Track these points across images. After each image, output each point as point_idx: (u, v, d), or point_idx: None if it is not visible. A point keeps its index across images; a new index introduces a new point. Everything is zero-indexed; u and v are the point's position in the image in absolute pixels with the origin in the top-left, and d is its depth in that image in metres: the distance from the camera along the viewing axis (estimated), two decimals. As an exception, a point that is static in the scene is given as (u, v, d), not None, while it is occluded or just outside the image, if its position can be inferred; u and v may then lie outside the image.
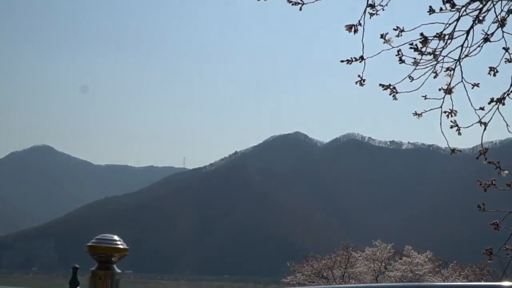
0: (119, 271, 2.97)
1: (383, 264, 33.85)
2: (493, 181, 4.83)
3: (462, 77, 4.99)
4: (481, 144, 4.93)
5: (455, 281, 32.05)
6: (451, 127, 5.10)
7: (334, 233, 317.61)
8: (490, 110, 5.06)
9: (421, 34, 4.70)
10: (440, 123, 4.91)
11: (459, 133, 5.13)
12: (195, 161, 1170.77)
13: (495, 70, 5.01)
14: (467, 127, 5.10)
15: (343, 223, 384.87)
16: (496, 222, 4.62)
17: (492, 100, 5.03)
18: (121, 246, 2.98)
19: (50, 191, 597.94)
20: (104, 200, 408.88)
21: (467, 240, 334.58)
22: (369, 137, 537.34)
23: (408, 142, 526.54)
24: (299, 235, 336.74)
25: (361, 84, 5.10)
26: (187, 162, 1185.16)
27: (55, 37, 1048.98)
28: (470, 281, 33.14)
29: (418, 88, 4.81)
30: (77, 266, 21.20)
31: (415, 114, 5.17)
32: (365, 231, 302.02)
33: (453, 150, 5.04)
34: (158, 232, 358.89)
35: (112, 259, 2.98)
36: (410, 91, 4.83)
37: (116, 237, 3.02)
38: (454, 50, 4.89)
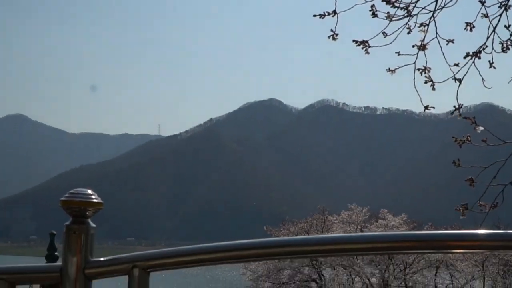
0: (93, 225, 2.84)
1: (359, 227, 34.20)
2: (468, 137, 4.81)
3: (437, 33, 4.99)
4: (456, 99, 4.93)
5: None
6: (425, 82, 5.09)
7: (310, 198, 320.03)
8: (466, 64, 5.05)
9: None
10: (414, 80, 4.91)
11: (433, 89, 5.13)
12: (170, 128, 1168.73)
13: (471, 25, 4.99)
14: (442, 82, 5.08)
15: (319, 188, 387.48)
16: (471, 178, 4.61)
17: (467, 55, 5.00)
18: (95, 200, 2.86)
19: (25, 160, 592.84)
20: (80, 168, 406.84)
21: (442, 203, 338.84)
22: (344, 103, 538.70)
23: (383, 108, 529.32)
24: (275, 200, 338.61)
25: (334, 39, 5.07)
26: (162, 129, 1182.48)
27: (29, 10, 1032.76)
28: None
29: (391, 43, 4.81)
30: (54, 232, 21.22)
31: (389, 70, 5.17)
32: (341, 196, 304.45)
33: (426, 107, 5.03)
34: (134, 199, 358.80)
35: (87, 213, 2.84)
36: (383, 45, 4.82)
37: (90, 191, 2.92)
38: (428, 5, 4.89)
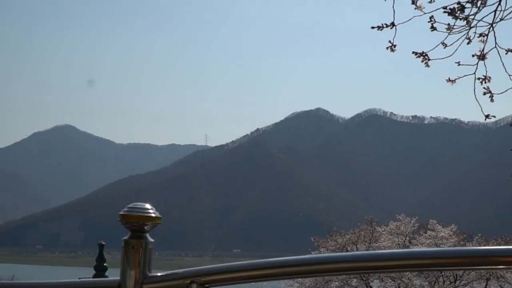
0: (152, 240, 2.88)
1: (408, 238, 33.68)
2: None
3: (496, 43, 4.88)
4: None
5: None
6: (484, 93, 4.96)
7: (357, 208, 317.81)
8: None
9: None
10: (474, 90, 4.79)
11: (492, 100, 4.98)
12: (217, 138, 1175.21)
13: None
14: (501, 93, 4.95)
15: (366, 199, 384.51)
16: None
17: None
18: (153, 215, 2.90)
19: (74, 170, 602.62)
20: (127, 179, 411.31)
21: (491, 214, 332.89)
22: (391, 112, 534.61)
23: (431, 117, 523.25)
24: (323, 210, 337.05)
25: (392, 50, 4.99)
26: (209, 139, 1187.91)
27: (76, 19, 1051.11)
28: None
29: (451, 55, 4.73)
30: (103, 243, 21.36)
31: (449, 80, 5.05)
32: (388, 206, 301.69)
33: (487, 116, 4.88)
34: (181, 209, 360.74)
35: (145, 227, 2.87)
36: (443, 58, 4.72)
37: (148, 206, 2.96)
38: (487, 15, 4.78)
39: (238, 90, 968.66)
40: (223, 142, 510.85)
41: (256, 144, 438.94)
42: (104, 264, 21.10)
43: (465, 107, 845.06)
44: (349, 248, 32.84)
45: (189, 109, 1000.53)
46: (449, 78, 5.00)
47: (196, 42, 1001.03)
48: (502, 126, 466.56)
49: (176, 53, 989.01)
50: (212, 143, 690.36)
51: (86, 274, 19.91)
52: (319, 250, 34.06)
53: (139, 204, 2.95)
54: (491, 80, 4.87)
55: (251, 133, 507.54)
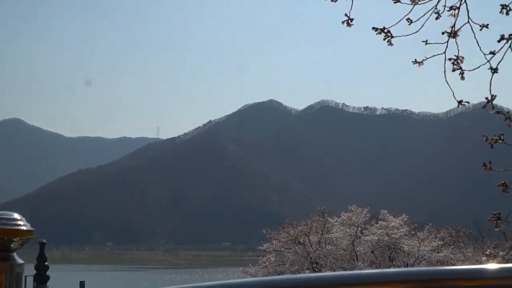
0: (21, 261, 2.02)
1: (359, 228, 33.73)
2: (501, 136, 4.13)
3: (469, 17, 4.34)
4: (490, 90, 4.24)
5: (431, 243, 32.06)
6: (453, 69, 4.45)
7: (309, 199, 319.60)
8: (501, 49, 4.38)
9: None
10: (444, 72, 4.30)
11: (463, 78, 4.51)
12: (169, 131, 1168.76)
13: (508, 8, 4.36)
14: (473, 69, 4.45)
15: (319, 190, 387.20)
16: (505, 182, 3.99)
17: (502, 38, 4.35)
18: (23, 228, 2.09)
19: (22, 165, 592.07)
20: (78, 173, 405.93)
21: (443, 204, 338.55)
22: (343, 103, 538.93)
23: (382, 108, 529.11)
24: (275, 202, 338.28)
25: (349, 24, 4.48)
26: (161, 132, 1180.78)
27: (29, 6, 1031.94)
28: (446, 243, 33.15)
29: (418, 31, 4.21)
30: (44, 241, 20.59)
31: (416, 62, 4.58)
32: (340, 197, 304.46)
33: (460, 102, 4.37)
34: (133, 203, 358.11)
35: (11, 245, 2.03)
36: (408, 35, 4.22)
37: (16, 216, 2.20)
38: (459, -13, 4.28)
39: (190, 82, 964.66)
40: (175, 135, 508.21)
41: (209, 136, 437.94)
42: (46, 263, 20.35)
43: (416, 97, 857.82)
44: (301, 240, 32.74)
45: (140, 101, 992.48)
46: (415, 59, 4.52)
47: (145, 33, 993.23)
48: (453, 116, 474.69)
49: (126, 42, 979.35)
50: (164, 136, 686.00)
51: (27, 273, 19.06)
52: (271, 242, 33.87)
53: (4, 214, 2.15)
54: (463, 61, 4.39)
55: (203, 125, 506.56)
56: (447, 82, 4.06)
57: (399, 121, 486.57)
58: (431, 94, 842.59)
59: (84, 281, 46.87)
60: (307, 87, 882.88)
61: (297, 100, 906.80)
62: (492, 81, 4.02)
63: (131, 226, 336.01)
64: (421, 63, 4.52)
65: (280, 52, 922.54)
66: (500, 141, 4.05)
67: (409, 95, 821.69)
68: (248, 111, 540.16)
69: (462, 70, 4.28)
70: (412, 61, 4.49)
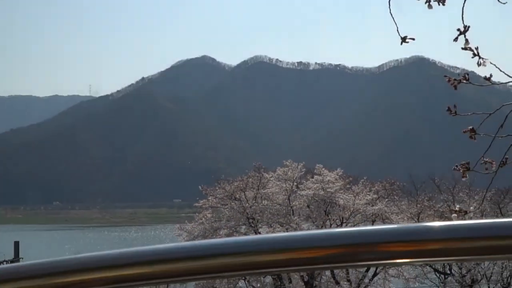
0: None
1: (295, 183, 33.80)
2: (467, 76, 3.61)
3: None
4: (462, 18, 3.51)
5: (366, 196, 32.35)
6: None
7: (245, 155, 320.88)
8: None
9: None
10: (389, 2, 3.74)
11: (430, 6, 3.87)
12: (101, 88, 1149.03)
13: None
14: None
15: (254, 146, 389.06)
16: (473, 128, 3.52)
17: None
18: None
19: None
20: (10, 132, 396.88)
21: (376, 157, 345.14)
22: (277, 59, 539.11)
23: (316, 63, 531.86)
24: (210, 159, 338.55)
25: None
26: (93, 89, 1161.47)
27: None
28: (381, 196, 33.50)
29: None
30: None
31: None
32: (276, 152, 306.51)
33: (404, 39, 3.77)
34: (67, 162, 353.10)
35: None
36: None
37: None
38: None
39: (122, 37, 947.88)
40: (108, 92, 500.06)
41: (142, 94, 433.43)
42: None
43: (349, 52, 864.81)
44: (237, 195, 32.62)
45: (72, 58, 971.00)
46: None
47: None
48: (386, 70, 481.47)
49: (57, 1, 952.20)
50: (97, 94, 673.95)
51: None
52: (207, 199, 33.67)
53: None
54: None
55: (137, 82, 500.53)
56: (392, 16, 3.55)
57: (333, 75, 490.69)
58: (364, 49, 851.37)
59: (18, 242, 45.99)
60: (240, 42, 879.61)
61: (231, 55, 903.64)
62: (464, 9, 3.48)
63: (67, 185, 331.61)
64: None
65: (213, 7, 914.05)
66: (464, 82, 3.60)
67: (343, 50, 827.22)
68: (181, 67, 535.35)
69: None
70: None
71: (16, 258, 42.39)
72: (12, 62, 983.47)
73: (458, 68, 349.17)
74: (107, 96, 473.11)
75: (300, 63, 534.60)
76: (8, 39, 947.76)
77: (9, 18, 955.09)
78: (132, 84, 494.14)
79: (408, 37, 3.42)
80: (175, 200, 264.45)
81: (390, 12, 3.29)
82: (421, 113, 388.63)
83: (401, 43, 3.31)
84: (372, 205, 31.94)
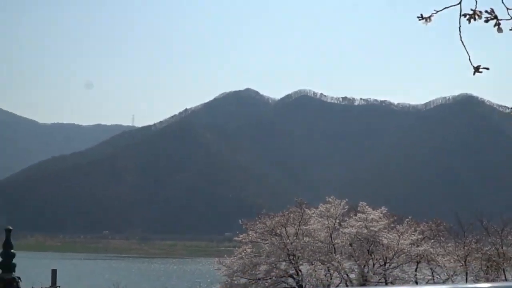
0: None
1: (337, 220, 33.24)
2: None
3: None
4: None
5: (410, 236, 31.53)
6: (487, 20, 3.43)
7: (287, 190, 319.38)
8: None
9: None
10: (459, 28, 3.32)
11: (500, 30, 3.49)
12: (144, 118, 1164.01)
13: None
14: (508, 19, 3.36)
15: (297, 180, 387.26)
16: (479, 66, 2.95)
17: None
18: None
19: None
20: (52, 160, 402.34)
21: (423, 196, 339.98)
22: (321, 93, 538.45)
23: (361, 98, 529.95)
24: (252, 192, 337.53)
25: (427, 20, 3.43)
26: (136, 119, 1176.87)
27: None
28: (426, 237, 32.67)
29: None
30: (10, 228, 19.66)
31: (422, 18, 3.64)
32: (319, 188, 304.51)
33: (477, 69, 3.35)
34: (108, 191, 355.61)
35: None
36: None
37: None
38: None
39: (166, 69, 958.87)
40: (151, 123, 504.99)
41: (185, 125, 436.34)
42: (11, 251, 19.51)
43: (395, 89, 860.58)
44: (278, 231, 32.15)
45: (116, 88, 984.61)
46: (421, 15, 3.59)
47: (123, 20, 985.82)
48: (433, 108, 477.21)
49: (100, 29, 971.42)
50: (139, 124, 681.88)
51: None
52: (248, 233, 33.24)
53: None
54: (482, 16, 3.43)
55: (179, 113, 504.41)
56: (463, 43, 3.19)
57: (378, 112, 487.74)
58: (411, 86, 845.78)
59: (56, 270, 45.88)
60: (284, 76, 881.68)
61: (275, 89, 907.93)
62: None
63: (106, 214, 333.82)
64: (428, 20, 3.58)
65: (258, 40, 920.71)
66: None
67: (388, 86, 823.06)
68: (225, 99, 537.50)
69: (498, 20, 3.33)
70: (418, 17, 3.56)
71: (54, 286, 42.34)
72: (56, 90, 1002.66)
73: (507, 107, 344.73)
74: (149, 126, 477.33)
75: (345, 98, 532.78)
76: (53, 69, 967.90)
77: (53, 50, 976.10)
78: (175, 115, 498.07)
79: (481, 67, 3.10)
80: (214, 233, 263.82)
81: (461, 40, 3.05)
82: (468, 153, 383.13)
83: (474, 73, 3.05)
84: (417, 246, 31.28)
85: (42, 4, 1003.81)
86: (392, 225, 32.73)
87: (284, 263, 32.82)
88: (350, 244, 31.69)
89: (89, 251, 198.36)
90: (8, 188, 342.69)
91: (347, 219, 33.26)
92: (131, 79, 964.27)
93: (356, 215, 33.19)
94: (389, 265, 32.24)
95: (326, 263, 31.57)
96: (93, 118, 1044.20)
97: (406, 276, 32.30)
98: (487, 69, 3.35)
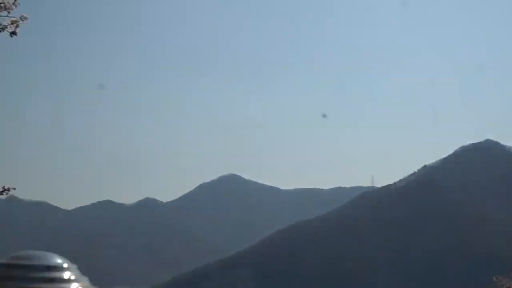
0: None
1: None
2: None
3: None
4: None
5: None
6: None
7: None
8: None
9: None
10: None
11: None
12: (383, 178, 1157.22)
13: None
14: None
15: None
16: None
17: None
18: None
19: (242, 218, 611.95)
20: (295, 225, 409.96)
21: None
22: None
23: None
24: (504, 247, 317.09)
25: None
26: (376, 180, 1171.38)
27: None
28: None
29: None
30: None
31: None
32: None
33: None
34: (353, 253, 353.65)
35: None
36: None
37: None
38: None
39: (401, 126, 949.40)
40: (390, 182, 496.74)
41: (424, 182, 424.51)
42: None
43: None
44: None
45: (354, 150, 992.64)
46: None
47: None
48: None
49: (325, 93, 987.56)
50: (379, 184, 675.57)
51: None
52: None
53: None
54: None
55: (418, 170, 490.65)
56: None
57: None
58: None
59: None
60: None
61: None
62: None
63: (350, 276, 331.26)
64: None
65: (496, 87, 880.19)
66: None
67: None
68: (465, 153, 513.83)
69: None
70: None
71: None
72: (296, 157, 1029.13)
73: None
74: (389, 185, 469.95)
75: None
76: (293, 136, 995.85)
77: (288, 121, 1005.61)
78: (414, 172, 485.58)
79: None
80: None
81: None
82: None
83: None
84: None
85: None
86: None
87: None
88: None
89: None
90: (258, 255, 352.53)
91: None
92: (369, 140, 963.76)
93: None
94: None
95: None
96: (333, 182, 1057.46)
97: None
98: None
